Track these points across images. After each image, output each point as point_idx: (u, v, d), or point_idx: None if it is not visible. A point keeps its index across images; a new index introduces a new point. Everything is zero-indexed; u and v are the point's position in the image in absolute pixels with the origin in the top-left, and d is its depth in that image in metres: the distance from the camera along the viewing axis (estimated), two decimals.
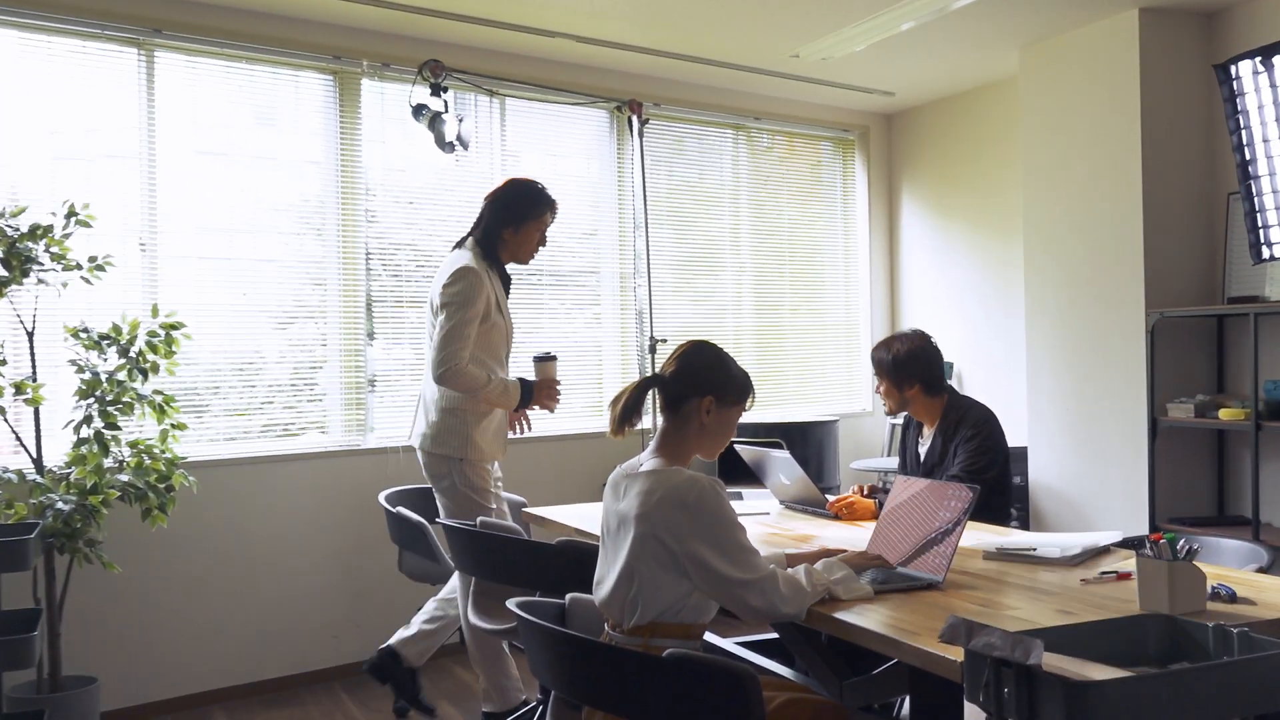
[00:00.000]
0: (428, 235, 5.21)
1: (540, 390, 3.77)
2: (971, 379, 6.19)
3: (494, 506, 3.79)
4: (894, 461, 5.90)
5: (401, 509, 4.00)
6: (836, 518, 3.43)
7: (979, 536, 3.06)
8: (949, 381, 6.12)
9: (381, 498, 4.23)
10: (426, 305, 3.73)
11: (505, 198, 3.74)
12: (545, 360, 3.83)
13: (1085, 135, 4.98)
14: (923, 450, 3.74)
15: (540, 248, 3.80)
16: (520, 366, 4.15)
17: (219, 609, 4.59)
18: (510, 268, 3.92)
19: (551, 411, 3.80)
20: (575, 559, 2.94)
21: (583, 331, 5.74)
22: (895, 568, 2.55)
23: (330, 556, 4.84)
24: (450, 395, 3.67)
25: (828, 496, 3.55)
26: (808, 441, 5.57)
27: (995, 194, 6.13)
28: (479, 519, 3.41)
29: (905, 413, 3.87)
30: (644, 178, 5.59)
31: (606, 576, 2.34)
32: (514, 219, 3.71)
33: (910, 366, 3.63)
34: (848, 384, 6.72)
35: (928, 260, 6.58)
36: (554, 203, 3.77)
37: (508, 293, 3.84)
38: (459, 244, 3.77)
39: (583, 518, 3.56)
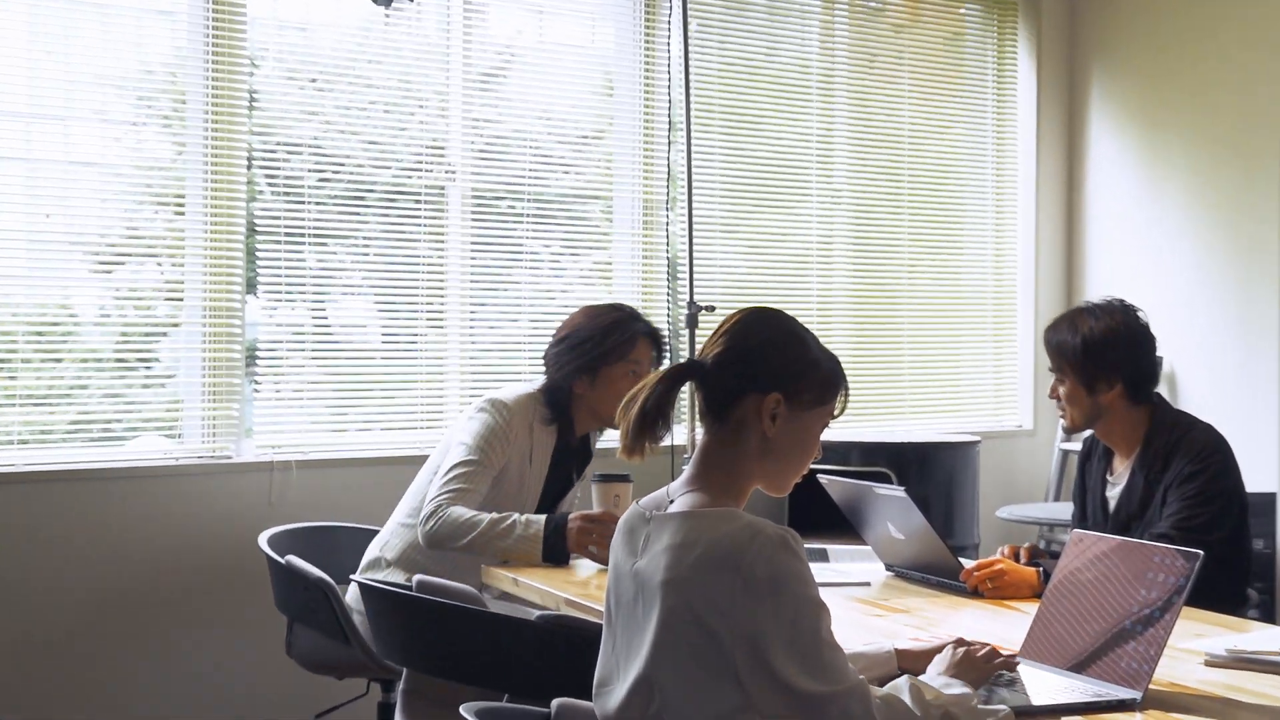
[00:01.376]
0: (340, 133, 5.24)
1: (582, 528, 3.78)
2: (1192, 389, 6.16)
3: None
4: (1066, 509, 5.87)
5: (294, 559, 4.00)
6: (977, 594, 3.44)
7: (1198, 629, 3.06)
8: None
9: (263, 541, 4.24)
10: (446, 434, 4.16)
11: (571, 337, 4.05)
12: (611, 481, 3.91)
13: None
14: (1113, 496, 3.78)
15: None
16: None
17: None
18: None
19: (594, 558, 3.82)
20: (566, 645, 2.98)
21: (580, 291, 5.74)
22: (1057, 673, 2.57)
23: (178, 630, 4.83)
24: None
25: (962, 560, 3.55)
26: (931, 473, 5.56)
27: (1241, 99, 6.08)
28: (416, 578, 3.43)
29: (1088, 432, 3.85)
30: (686, 54, 5.57)
31: (615, 675, 2.36)
32: (587, 365, 4.00)
33: (1113, 355, 3.65)
34: (995, 386, 6.71)
35: (1128, 198, 6.54)
36: (650, 330, 4.08)
37: (578, 473, 4.18)
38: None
39: (578, 582, 3.59)
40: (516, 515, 3.79)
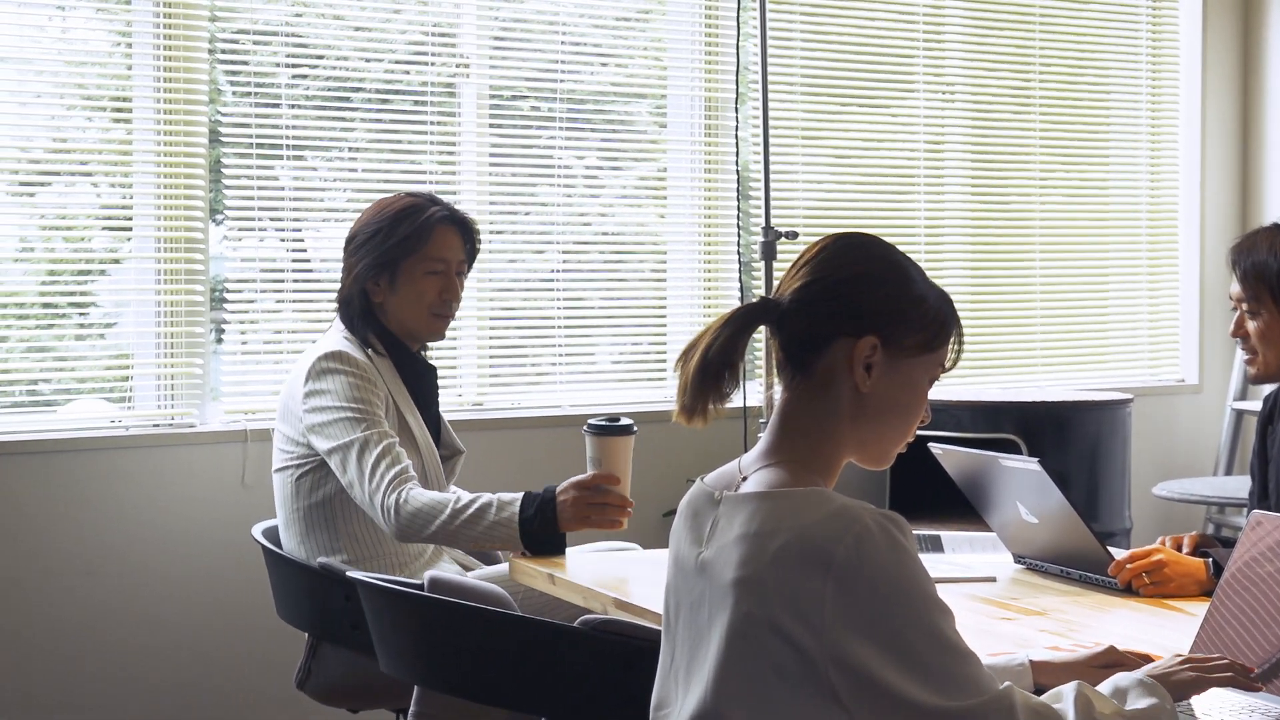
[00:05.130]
0: (320, 17, 5.25)
1: (573, 499, 3.83)
2: None
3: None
4: (1240, 484, 5.81)
5: (328, 560, 4.02)
6: (1130, 591, 3.42)
7: None
8: None
9: (257, 532, 4.23)
10: (277, 417, 4.16)
11: (358, 235, 4.15)
12: (609, 433, 3.88)
13: None
14: None
15: (447, 299, 4.13)
16: None
17: None
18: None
19: (612, 527, 3.90)
20: (616, 658, 3.00)
21: (625, 214, 5.68)
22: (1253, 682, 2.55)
23: (131, 649, 4.82)
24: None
25: (1112, 550, 3.51)
26: (1071, 441, 5.61)
27: None
28: (427, 575, 3.43)
29: (1269, 388, 3.88)
30: None
31: (675, 696, 2.37)
32: (380, 261, 4.08)
33: None
34: (1151, 331, 6.78)
35: None
36: (452, 215, 4.16)
37: (433, 396, 4.27)
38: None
39: (631, 578, 3.64)
40: (487, 496, 3.85)
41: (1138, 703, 2.32)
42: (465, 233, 4.16)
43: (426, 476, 4.07)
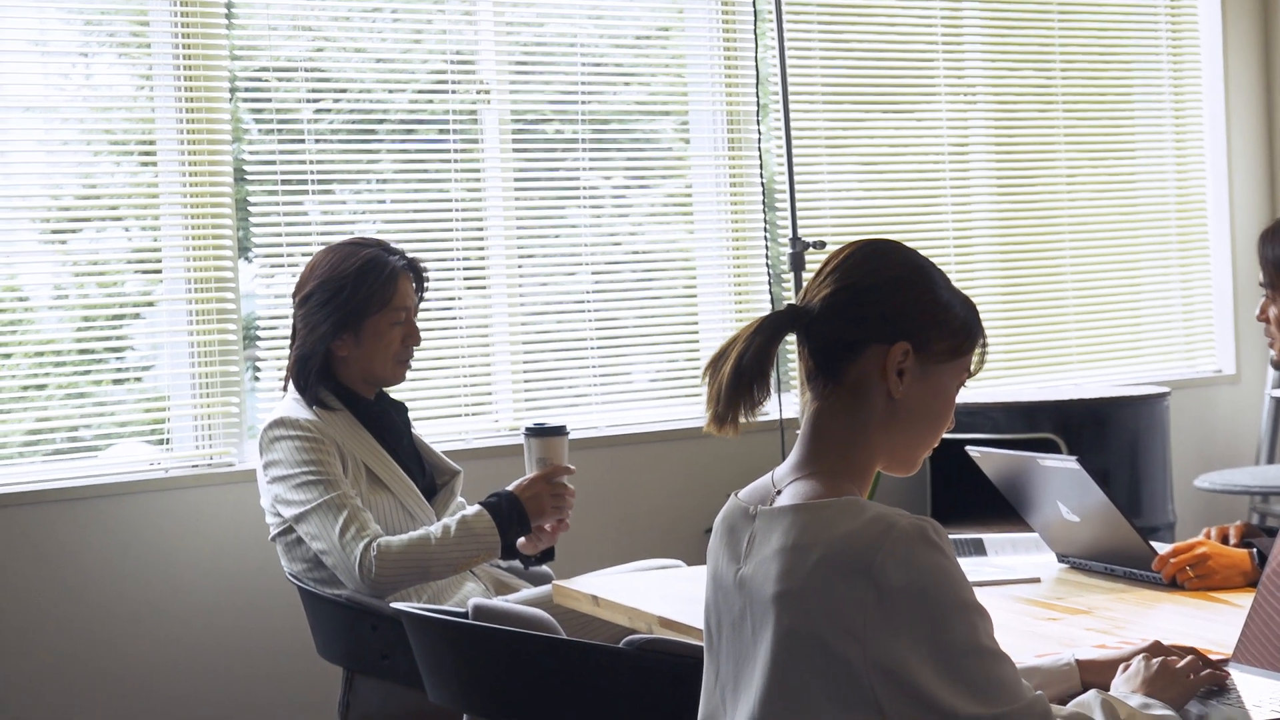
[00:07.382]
0: (341, 50, 5.26)
1: (538, 493, 4.05)
2: None
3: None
4: (1277, 472, 5.81)
5: (354, 593, 4.00)
6: (1175, 585, 3.42)
7: None
8: None
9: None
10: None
11: (317, 292, 4.12)
12: (545, 434, 4.12)
13: None
14: None
15: (410, 344, 4.19)
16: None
17: None
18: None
19: (561, 526, 4.15)
20: (663, 676, 3.01)
21: (655, 232, 5.68)
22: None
23: (182, 688, 4.83)
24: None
25: (1155, 545, 3.52)
26: (1110, 437, 5.62)
27: None
28: (472, 602, 3.49)
29: None
30: None
31: (722, 712, 2.37)
32: (345, 320, 4.08)
33: None
34: (1185, 322, 6.75)
35: None
36: (409, 263, 4.19)
37: (404, 431, 4.31)
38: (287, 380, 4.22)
39: (676, 595, 3.61)
40: (452, 518, 3.98)
41: (1153, 710, 2.34)
42: (418, 275, 4.20)
43: (409, 513, 4.10)
